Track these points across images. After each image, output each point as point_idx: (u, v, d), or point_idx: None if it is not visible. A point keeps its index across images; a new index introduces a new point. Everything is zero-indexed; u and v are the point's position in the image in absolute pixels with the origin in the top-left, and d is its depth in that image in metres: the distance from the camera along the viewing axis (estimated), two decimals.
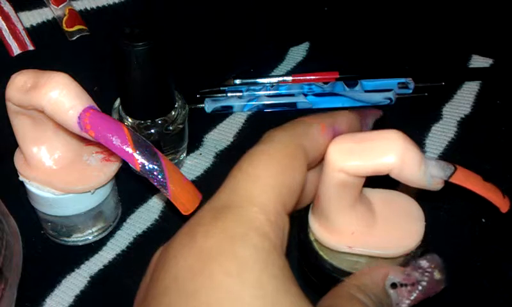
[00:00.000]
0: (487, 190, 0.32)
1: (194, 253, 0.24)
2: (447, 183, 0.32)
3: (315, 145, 0.30)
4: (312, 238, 0.37)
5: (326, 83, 0.55)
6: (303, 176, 0.28)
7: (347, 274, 0.35)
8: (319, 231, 0.35)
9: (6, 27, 0.45)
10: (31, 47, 0.46)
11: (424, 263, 0.33)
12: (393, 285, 0.32)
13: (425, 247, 0.35)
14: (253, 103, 0.54)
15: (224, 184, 0.27)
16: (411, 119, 0.53)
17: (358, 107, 0.53)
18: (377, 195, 0.36)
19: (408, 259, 0.35)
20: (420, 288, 0.32)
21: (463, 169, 0.32)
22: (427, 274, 0.32)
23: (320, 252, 0.36)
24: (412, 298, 0.32)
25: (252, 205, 0.25)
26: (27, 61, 0.45)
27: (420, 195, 0.35)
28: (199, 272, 0.23)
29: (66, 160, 0.40)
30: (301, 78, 0.57)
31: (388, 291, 0.32)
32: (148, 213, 0.45)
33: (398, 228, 0.35)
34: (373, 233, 0.34)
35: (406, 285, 0.32)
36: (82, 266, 0.42)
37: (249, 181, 0.26)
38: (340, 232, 0.34)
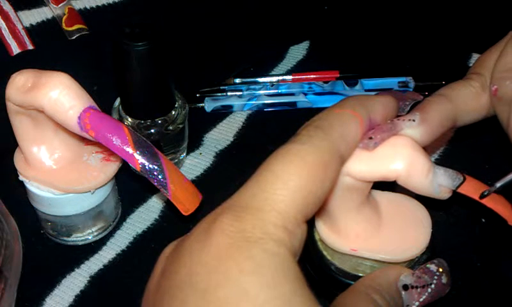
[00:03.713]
0: (495, 203, 0.32)
1: (210, 250, 0.24)
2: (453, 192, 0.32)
3: (352, 145, 0.29)
4: (317, 238, 0.37)
5: (326, 82, 0.55)
6: (332, 185, 0.27)
7: (350, 275, 0.36)
8: (324, 231, 0.35)
9: (5, 26, 0.45)
10: (30, 47, 0.46)
11: (433, 267, 0.33)
12: (405, 287, 0.32)
13: (430, 254, 0.35)
14: (253, 102, 0.54)
15: (251, 180, 0.26)
16: None
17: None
18: (385, 198, 0.36)
19: (411, 265, 0.35)
20: (429, 290, 0.32)
21: (472, 179, 0.32)
22: (435, 277, 0.33)
23: (324, 252, 0.36)
24: (421, 300, 0.32)
25: (273, 210, 0.25)
26: (26, 61, 0.45)
27: (419, 195, 0.35)
28: (214, 268, 0.23)
29: (66, 160, 0.40)
30: (301, 77, 0.56)
31: (400, 292, 0.32)
32: (148, 213, 0.45)
33: (404, 233, 0.35)
34: (378, 237, 0.34)
35: (416, 287, 0.32)
36: (82, 266, 0.42)
37: (276, 184, 0.25)
38: (345, 234, 0.34)
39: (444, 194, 0.32)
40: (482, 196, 0.32)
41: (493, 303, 0.39)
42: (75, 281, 0.41)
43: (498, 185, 0.32)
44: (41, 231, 0.43)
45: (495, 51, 0.36)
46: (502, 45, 0.35)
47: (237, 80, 0.56)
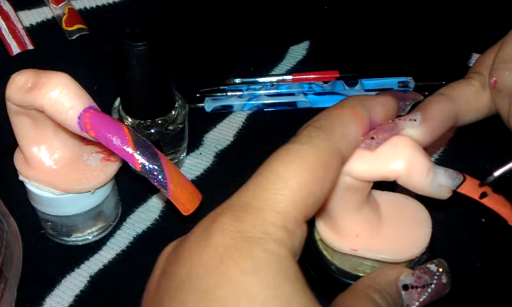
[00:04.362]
0: (495, 203, 0.32)
1: (210, 250, 0.24)
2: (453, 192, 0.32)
3: (353, 146, 0.29)
4: (317, 238, 0.37)
5: (326, 82, 0.55)
6: (332, 186, 0.27)
7: (350, 274, 0.36)
8: (324, 231, 0.35)
9: (5, 26, 0.45)
10: (30, 47, 0.46)
11: (433, 267, 0.33)
12: (405, 287, 0.32)
13: (430, 254, 0.35)
14: (253, 102, 0.54)
15: (251, 180, 0.26)
16: None
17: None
18: (385, 198, 0.36)
19: (411, 265, 0.35)
20: (429, 290, 0.32)
21: (472, 179, 0.32)
22: (435, 277, 0.33)
23: (324, 252, 0.36)
24: (421, 300, 0.32)
25: (273, 210, 0.25)
26: (26, 61, 0.45)
27: (419, 195, 0.35)
28: (214, 269, 0.23)
29: (66, 160, 0.40)
30: (301, 77, 0.56)
31: (400, 292, 0.32)
32: (148, 213, 0.45)
33: (404, 233, 0.35)
34: (378, 237, 0.34)
35: (416, 287, 0.32)
36: (82, 266, 0.42)
37: (277, 184, 0.25)
38: (345, 234, 0.34)
39: (444, 194, 0.32)
40: (482, 196, 0.32)
41: (493, 303, 0.39)
42: (75, 281, 0.41)
43: (496, 174, 0.32)
44: (41, 231, 0.43)
45: (495, 50, 0.36)
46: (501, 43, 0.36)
47: (237, 80, 0.56)
